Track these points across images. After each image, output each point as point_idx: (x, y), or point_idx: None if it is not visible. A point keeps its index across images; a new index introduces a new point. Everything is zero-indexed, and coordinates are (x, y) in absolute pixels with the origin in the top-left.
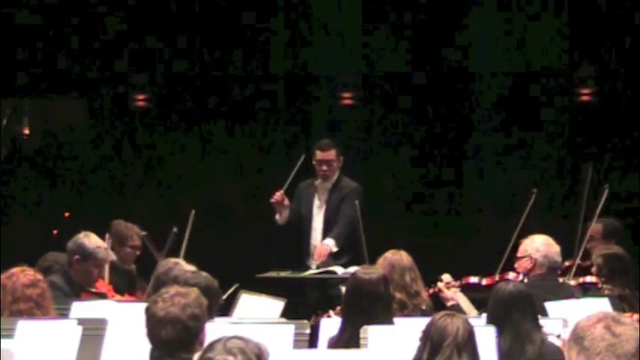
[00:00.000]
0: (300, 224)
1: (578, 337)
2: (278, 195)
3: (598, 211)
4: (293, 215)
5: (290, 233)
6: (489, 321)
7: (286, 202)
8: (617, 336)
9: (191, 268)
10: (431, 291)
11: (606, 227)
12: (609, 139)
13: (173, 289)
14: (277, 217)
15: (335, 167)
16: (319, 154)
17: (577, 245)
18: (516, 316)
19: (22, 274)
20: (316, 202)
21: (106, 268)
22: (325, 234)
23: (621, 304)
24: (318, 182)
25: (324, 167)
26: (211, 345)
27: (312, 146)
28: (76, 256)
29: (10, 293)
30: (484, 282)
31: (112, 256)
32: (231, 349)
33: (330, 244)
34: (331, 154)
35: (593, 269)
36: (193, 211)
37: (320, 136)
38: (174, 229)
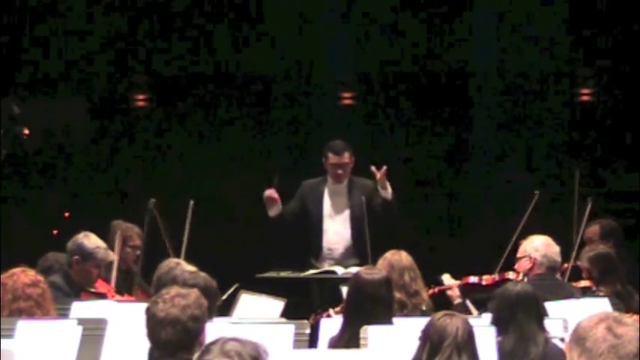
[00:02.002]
0: (307, 224)
1: (579, 338)
2: (270, 192)
3: (582, 225)
4: (295, 213)
5: (290, 233)
6: (494, 320)
7: (277, 200)
8: (619, 337)
9: (191, 268)
10: (430, 292)
11: (603, 228)
12: (609, 139)
13: (174, 290)
14: (269, 212)
15: (349, 169)
16: (333, 158)
17: (575, 246)
18: (521, 317)
19: (23, 274)
20: (328, 205)
21: (114, 270)
22: (353, 234)
23: (620, 303)
24: (330, 183)
25: (340, 171)
26: (208, 347)
27: (324, 147)
28: (76, 257)
29: (11, 292)
30: (484, 282)
31: (112, 256)
32: (228, 351)
33: (388, 187)
34: (345, 157)
35: (583, 274)
36: (192, 202)
37: (320, 135)
38: (192, 202)
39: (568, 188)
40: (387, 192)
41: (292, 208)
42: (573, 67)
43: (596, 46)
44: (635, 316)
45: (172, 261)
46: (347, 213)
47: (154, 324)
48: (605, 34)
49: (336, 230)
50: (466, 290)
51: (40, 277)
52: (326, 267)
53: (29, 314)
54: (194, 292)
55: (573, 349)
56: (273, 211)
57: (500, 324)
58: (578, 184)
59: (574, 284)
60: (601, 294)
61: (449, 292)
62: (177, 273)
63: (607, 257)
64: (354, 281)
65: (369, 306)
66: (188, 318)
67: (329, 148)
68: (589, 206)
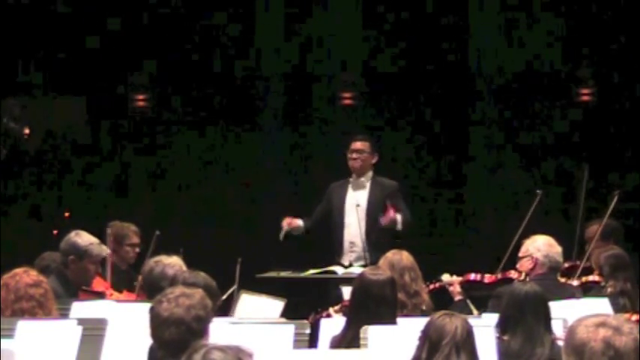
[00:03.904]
0: (330, 223)
1: (576, 349)
2: (286, 223)
3: (606, 217)
4: (322, 214)
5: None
6: (502, 320)
7: (298, 223)
8: (617, 349)
9: (175, 260)
10: (432, 287)
11: (604, 228)
12: (609, 139)
13: (178, 290)
14: (294, 233)
15: (365, 159)
16: (351, 145)
17: (576, 246)
18: (530, 317)
19: (26, 274)
20: (349, 199)
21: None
22: (367, 229)
23: (622, 300)
24: (352, 179)
25: (354, 155)
26: (190, 355)
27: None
28: (71, 256)
29: (13, 292)
30: (486, 279)
31: (106, 251)
32: None
33: (399, 219)
34: (363, 144)
35: (595, 271)
36: (157, 232)
37: (320, 135)
38: (157, 232)
39: (568, 187)
40: (398, 226)
41: (319, 215)
42: (573, 67)
43: (596, 46)
44: (635, 316)
45: (152, 260)
46: (365, 208)
47: (158, 323)
48: (606, 35)
49: (356, 224)
50: (467, 287)
51: (42, 278)
52: (346, 262)
53: (31, 314)
54: (199, 293)
55: (570, 358)
56: (298, 232)
57: (508, 323)
58: (585, 184)
59: (584, 278)
60: (609, 289)
61: (450, 288)
62: (163, 269)
63: (621, 257)
64: (359, 281)
65: (374, 306)
66: (192, 318)
67: (351, 139)
68: (615, 200)
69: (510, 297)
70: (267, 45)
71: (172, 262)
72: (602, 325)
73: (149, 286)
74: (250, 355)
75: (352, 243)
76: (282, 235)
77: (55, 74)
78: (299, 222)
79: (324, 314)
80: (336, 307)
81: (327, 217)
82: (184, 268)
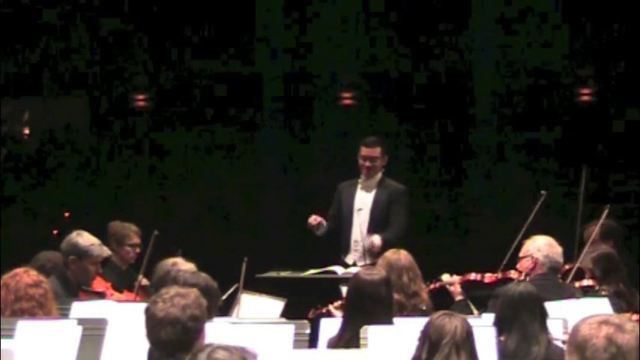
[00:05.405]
0: (341, 220)
1: (579, 346)
2: (312, 220)
3: (597, 227)
4: (334, 220)
5: (291, 233)
6: (497, 320)
7: (322, 222)
8: (620, 347)
9: (190, 266)
10: (432, 287)
11: (603, 228)
12: (609, 139)
13: (173, 290)
14: (317, 233)
15: (378, 165)
16: (364, 150)
17: (577, 247)
18: (525, 317)
19: (26, 274)
20: (358, 199)
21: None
22: (370, 230)
23: (619, 301)
24: (361, 180)
25: (368, 163)
26: (195, 355)
27: (359, 143)
28: (72, 257)
29: (13, 292)
30: (486, 279)
31: (107, 252)
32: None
33: (378, 243)
34: (376, 151)
35: (587, 274)
36: (156, 232)
37: (320, 135)
38: (155, 232)
39: (568, 188)
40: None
41: (334, 217)
42: (573, 67)
43: (596, 46)
44: (635, 316)
45: (169, 262)
46: (370, 209)
47: (154, 324)
48: (606, 33)
49: (361, 224)
50: (467, 287)
51: (42, 278)
52: (350, 262)
53: (31, 314)
54: (194, 292)
55: (572, 354)
56: (320, 231)
57: (503, 324)
58: (585, 185)
59: (577, 283)
60: (604, 292)
61: (451, 289)
62: (177, 273)
63: (609, 257)
64: (354, 282)
65: (369, 306)
66: (188, 318)
67: (362, 142)
68: (604, 214)
69: (505, 297)
70: (267, 44)
71: (189, 269)
72: (605, 322)
73: (161, 286)
74: (255, 356)
75: (357, 242)
76: (322, 230)
77: (55, 74)
78: (324, 222)
79: (324, 310)
80: (336, 304)
81: (338, 219)
82: None
